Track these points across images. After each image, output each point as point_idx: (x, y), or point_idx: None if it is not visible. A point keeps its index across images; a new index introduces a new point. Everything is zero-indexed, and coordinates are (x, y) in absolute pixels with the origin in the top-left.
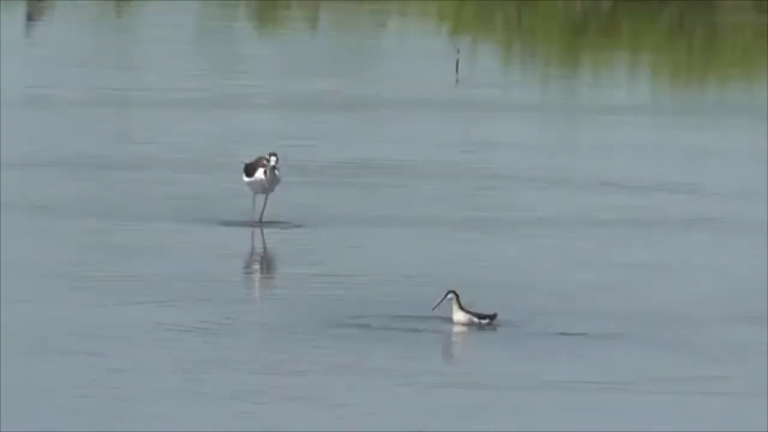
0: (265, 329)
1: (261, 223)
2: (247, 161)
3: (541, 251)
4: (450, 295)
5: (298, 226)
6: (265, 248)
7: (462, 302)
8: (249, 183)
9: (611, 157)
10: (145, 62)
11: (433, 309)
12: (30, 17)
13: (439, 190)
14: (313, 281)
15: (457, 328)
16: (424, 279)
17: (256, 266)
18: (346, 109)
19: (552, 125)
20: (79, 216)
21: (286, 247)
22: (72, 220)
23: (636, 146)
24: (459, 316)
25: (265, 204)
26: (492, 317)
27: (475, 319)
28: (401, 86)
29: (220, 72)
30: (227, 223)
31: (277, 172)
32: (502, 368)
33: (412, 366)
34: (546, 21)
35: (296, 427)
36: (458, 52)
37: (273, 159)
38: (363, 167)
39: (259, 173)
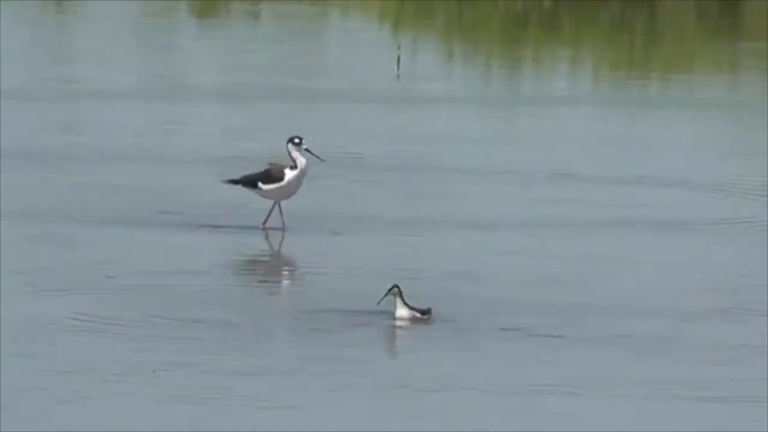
0: (213, 328)
1: (284, 231)
2: (251, 172)
3: (492, 245)
4: (394, 289)
5: (243, 221)
6: (213, 244)
7: (405, 296)
8: (274, 189)
9: (558, 150)
10: (86, 55)
11: (378, 303)
12: None
13: (386, 182)
14: (261, 278)
15: (400, 324)
16: (370, 274)
17: (206, 263)
18: (288, 102)
19: (495, 119)
20: (25, 211)
21: (229, 242)
22: (18, 215)
23: (581, 139)
24: (402, 311)
25: (281, 208)
26: (427, 311)
27: (417, 314)
28: (342, 81)
29: (162, 64)
30: (173, 218)
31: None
32: (457, 369)
33: (360, 366)
34: (487, 19)
35: (244, 428)
36: (399, 48)
37: (303, 142)
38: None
39: (289, 174)
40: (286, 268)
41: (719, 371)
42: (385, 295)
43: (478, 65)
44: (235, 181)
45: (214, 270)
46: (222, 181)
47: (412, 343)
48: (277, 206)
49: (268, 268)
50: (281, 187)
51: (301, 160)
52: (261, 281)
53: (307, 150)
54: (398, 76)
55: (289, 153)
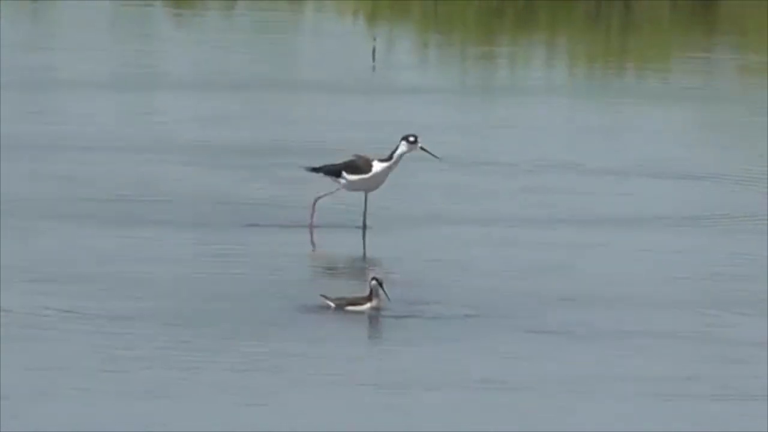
0: (193, 323)
1: (365, 227)
2: (329, 164)
3: (476, 235)
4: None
5: (223, 210)
6: (193, 235)
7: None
8: (358, 180)
9: (537, 141)
10: (62, 44)
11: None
12: None
13: None
14: (237, 271)
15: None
16: (353, 267)
17: (187, 255)
18: (263, 92)
19: (473, 110)
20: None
21: (206, 233)
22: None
23: (559, 129)
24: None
25: (366, 205)
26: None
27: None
28: (318, 72)
29: (139, 55)
30: (151, 207)
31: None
32: (447, 365)
33: (346, 362)
34: (463, 12)
35: (218, 426)
36: (375, 39)
37: (419, 140)
38: (283, 149)
39: (377, 166)
40: (267, 260)
41: (715, 367)
42: (384, 290)
43: (454, 57)
44: (316, 169)
45: (196, 262)
46: (303, 168)
47: (401, 338)
48: (347, 199)
49: (250, 260)
50: (366, 178)
51: (397, 155)
52: (241, 274)
53: (422, 149)
54: (374, 68)
55: (397, 148)
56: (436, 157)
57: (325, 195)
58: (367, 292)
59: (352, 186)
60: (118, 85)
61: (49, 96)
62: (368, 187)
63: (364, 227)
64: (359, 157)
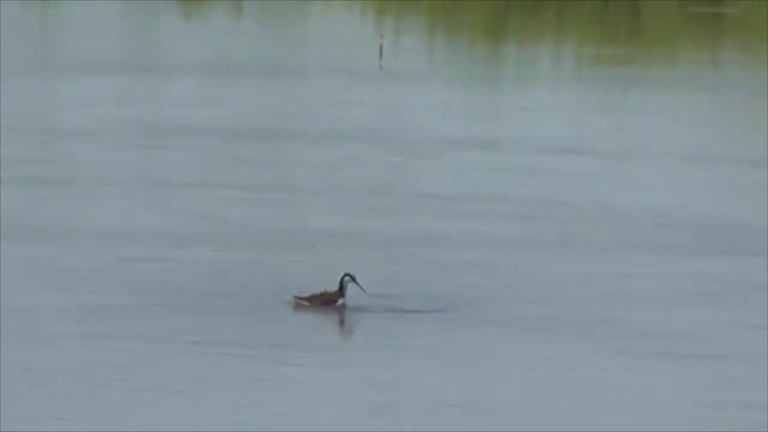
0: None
1: None
2: None
3: (485, 217)
4: (346, 278)
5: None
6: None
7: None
8: None
9: (545, 126)
10: (74, 40)
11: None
12: None
13: (374, 157)
14: (211, 256)
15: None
16: (344, 251)
17: (184, 248)
18: (274, 80)
19: (475, 101)
20: (23, 181)
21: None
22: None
23: (562, 114)
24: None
25: None
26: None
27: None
28: (326, 65)
29: (148, 47)
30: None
31: None
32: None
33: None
34: (471, 7)
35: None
36: (382, 37)
37: None
38: (288, 134)
39: None
40: (251, 244)
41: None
42: (342, 285)
43: (462, 53)
44: None
45: (201, 252)
46: None
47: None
48: None
49: (228, 246)
50: None
51: None
52: (218, 261)
53: None
54: (381, 67)
55: None
56: None
57: None
58: (337, 288)
59: None
60: (125, 72)
61: (51, 82)
62: None
63: None
64: None
